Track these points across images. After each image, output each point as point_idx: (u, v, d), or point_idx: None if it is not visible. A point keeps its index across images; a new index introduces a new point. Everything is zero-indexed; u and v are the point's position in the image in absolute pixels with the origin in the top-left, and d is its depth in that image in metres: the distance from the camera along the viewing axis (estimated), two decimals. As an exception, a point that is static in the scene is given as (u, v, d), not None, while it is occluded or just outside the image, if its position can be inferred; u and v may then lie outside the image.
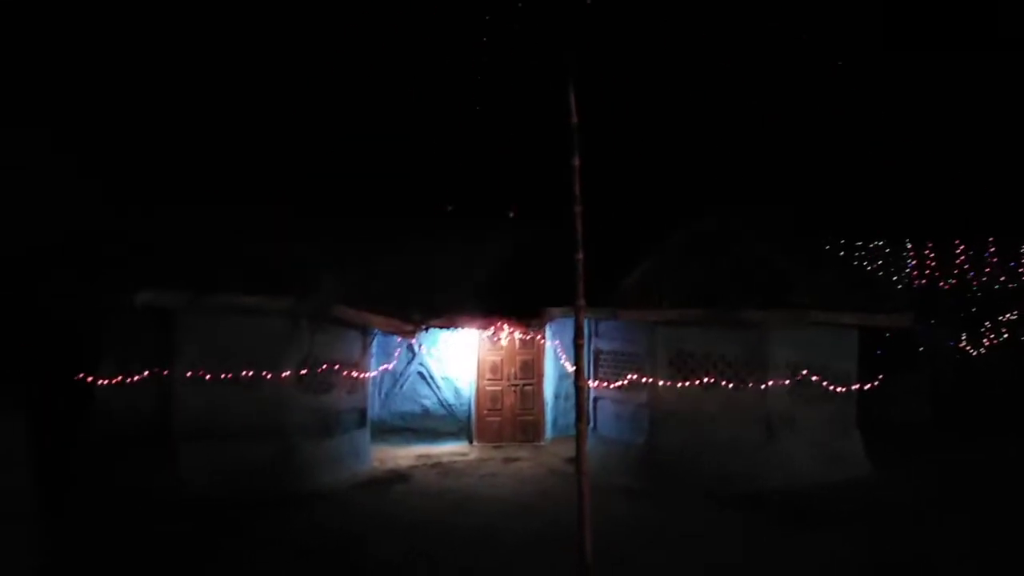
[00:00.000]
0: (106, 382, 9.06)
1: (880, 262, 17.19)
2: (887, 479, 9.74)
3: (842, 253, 16.44)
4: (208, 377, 9.02)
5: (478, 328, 11.90)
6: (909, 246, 17.20)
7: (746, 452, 9.53)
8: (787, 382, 9.77)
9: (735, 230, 10.86)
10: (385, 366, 12.74)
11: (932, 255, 17.04)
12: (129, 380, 9.01)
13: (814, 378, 9.91)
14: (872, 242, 17.24)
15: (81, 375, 9.19)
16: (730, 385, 9.72)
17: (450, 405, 13.02)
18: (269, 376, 9.25)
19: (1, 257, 9.77)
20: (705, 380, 9.76)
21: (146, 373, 9.01)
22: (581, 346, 5.17)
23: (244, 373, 9.17)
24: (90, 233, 10.47)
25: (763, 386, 9.66)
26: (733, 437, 9.63)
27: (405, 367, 13.06)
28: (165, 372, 9.01)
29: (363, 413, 10.97)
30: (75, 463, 8.77)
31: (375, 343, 11.83)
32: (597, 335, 10.80)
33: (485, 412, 12.70)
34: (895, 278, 16.94)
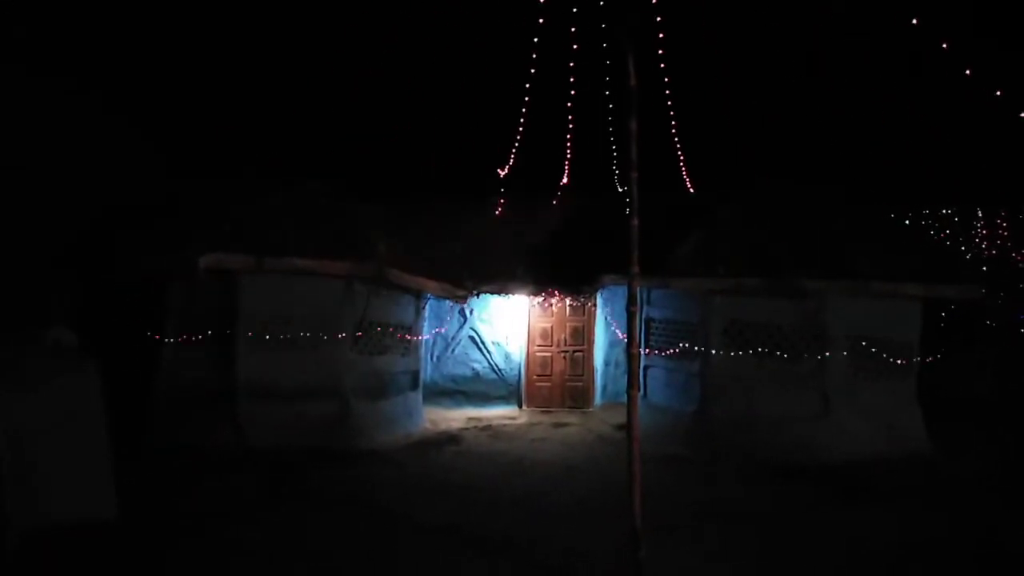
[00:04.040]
0: (172, 341, 9.46)
1: (948, 231, 16.49)
2: (948, 455, 9.48)
3: (907, 222, 15.83)
4: (268, 338, 9.32)
5: (529, 294, 11.96)
6: (980, 214, 16.42)
7: (801, 424, 9.40)
8: (845, 354, 9.56)
9: (792, 199, 10.58)
10: (438, 329, 12.95)
11: (1005, 224, 16.24)
12: (195, 339, 9.38)
13: (873, 350, 9.67)
14: (940, 210, 16.52)
15: (149, 334, 9.60)
16: (785, 356, 9.57)
17: (500, 369, 13.17)
18: (326, 338, 9.50)
19: (73, 220, 10.20)
20: (760, 350, 9.63)
21: (210, 333, 9.36)
22: (634, 314, 5.15)
23: (302, 335, 9.45)
24: (157, 199, 10.84)
25: (820, 357, 9.48)
26: (788, 408, 9.50)
27: (457, 331, 13.22)
28: (228, 332, 9.33)
29: (416, 375, 11.20)
30: (145, 417, 9.22)
31: (428, 307, 12.02)
32: (649, 303, 10.74)
33: (535, 377, 12.83)
34: (963, 248, 16.24)
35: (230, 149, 12.52)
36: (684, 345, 10.08)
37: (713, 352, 9.72)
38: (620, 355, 12.94)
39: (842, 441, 9.29)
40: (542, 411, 12.47)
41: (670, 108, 11.19)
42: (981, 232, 16.40)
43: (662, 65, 9.59)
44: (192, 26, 12.45)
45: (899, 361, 9.79)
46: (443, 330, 13.04)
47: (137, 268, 9.60)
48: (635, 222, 5.11)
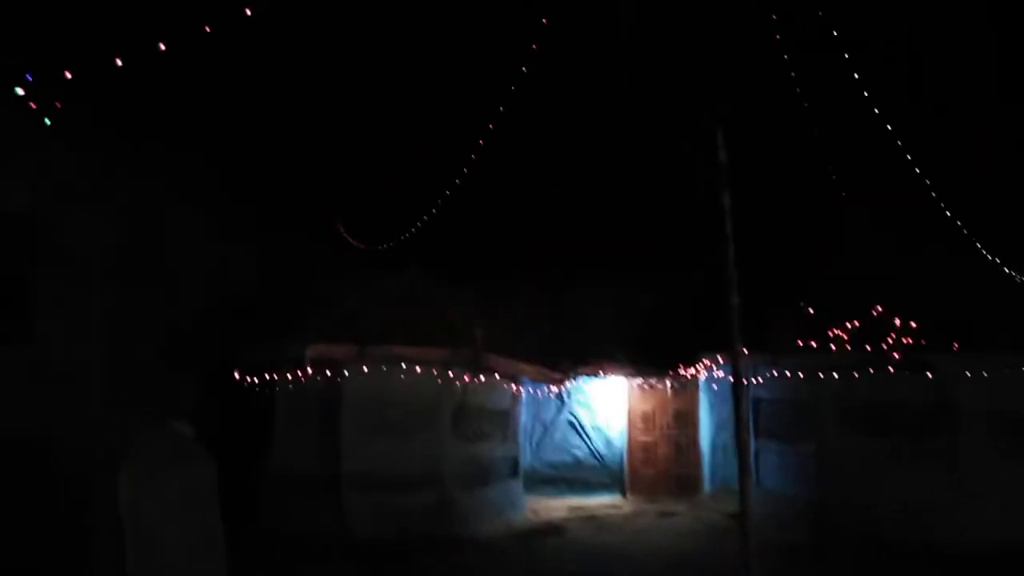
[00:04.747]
0: (280, 429, 9.76)
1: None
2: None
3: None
4: (370, 426, 9.47)
5: (628, 376, 11.71)
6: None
7: (932, 509, 8.54)
8: (981, 430, 8.72)
9: (907, 264, 10.00)
10: (536, 415, 12.80)
11: None
12: (301, 427, 9.64)
13: (1011, 427, 8.77)
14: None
15: (259, 423, 9.96)
16: (910, 434, 8.82)
17: (601, 455, 12.80)
18: (425, 425, 9.57)
19: (187, 312, 10.85)
20: (880, 429, 8.94)
21: (315, 421, 9.61)
22: (741, 397, 4.92)
23: (403, 422, 9.55)
24: (265, 289, 11.43)
25: (951, 435, 8.69)
26: (916, 492, 8.67)
27: (555, 416, 13.04)
28: (333, 420, 9.55)
29: (515, 462, 11.04)
30: (253, 504, 9.44)
31: (526, 391, 11.94)
32: (756, 382, 10.25)
33: (638, 464, 12.35)
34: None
35: (331, 236, 13.07)
36: (797, 426, 9.50)
37: (828, 433, 9.11)
38: (728, 438, 12.33)
39: (980, 526, 8.32)
40: (647, 499, 11.93)
41: (760, 178, 10.98)
42: None
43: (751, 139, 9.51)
44: (293, 119, 13.25)
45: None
46: (542, 416, 12.89)
47: (248, 361, 10.07)
48: (735, 300, 4.95)
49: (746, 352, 5.13)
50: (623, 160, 10.82)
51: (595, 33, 12.14)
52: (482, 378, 10.17)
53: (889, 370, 8.86)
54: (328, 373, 9.57)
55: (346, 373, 9.54)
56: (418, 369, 9.59)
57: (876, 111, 10.16)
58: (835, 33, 9.79)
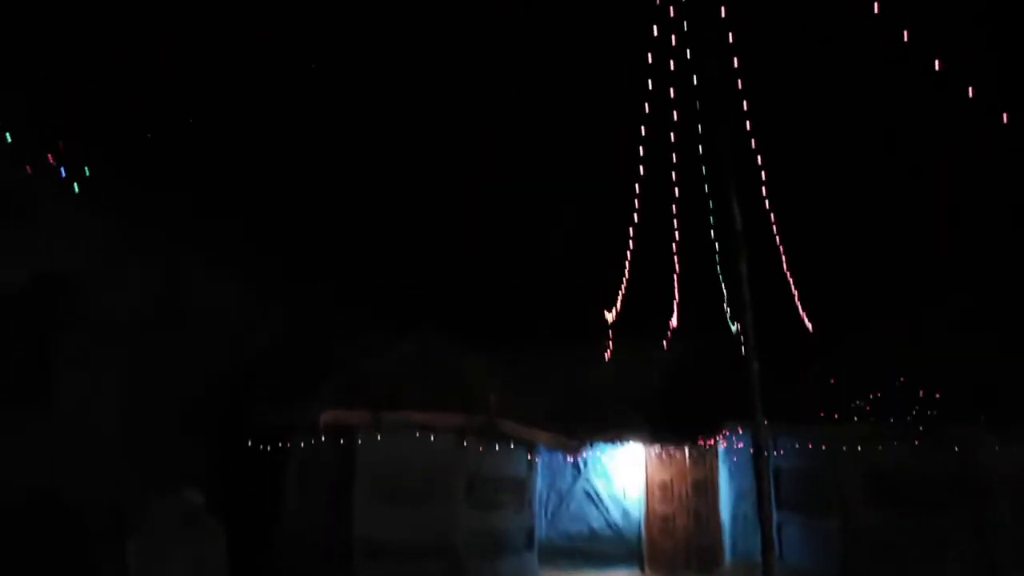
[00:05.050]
0: (293, 496, 9.62)
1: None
2: None
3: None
4: (383, 493, 9.31)
5: (645, 444, 11.50)
6: None
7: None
8: (1005, 505, 8.42)
9: (927, 327, 9.88)
10: (551, 484, 12.53)
11: None
12: (313, 494, 9.50)
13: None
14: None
15: (271, 489, 9.82)
16: (936, 510, 8.53)
17: (618, 526, 12.43)
18: (439, 493, 9.40)
19: (201, 377, 10.83)
20: (904, 504, 8.66)
21: (328, 488, 9.47)
22: (763, 470, 4.81)
23: (416, 490, 9.39)
24: (277, 353, 11.44)
25: (976, 510, 8.39)
26: (944, 567, 8.33)
27: (571, 485, 12.74)
28: (346, 487, 9.40)
29: (530, 533, 10.75)
30: (265, 571, 9.22)
31: (541, 459, 11.73)
32: (776, 451, 10.01)
33: (657, 535, 11.97)
34: None
35: (344, 300, 13.14)
36: (820, 499, 9.23)
37: (852, 506, 8.83)
38: (749, 509, 11.94)
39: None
40: (667, 573, 11.53)
41: (779, 244, 10.98)
42: None
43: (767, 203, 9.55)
44: (316, 184, 13.47)
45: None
46: (557, 484, 12.61)
47: (261, 426, 10.01)
48: (755, 366, 4.90)
49: (766, 422, 5.03)
50: (640, 224, 10.88)
51: (609, 93, 12.44)
52: (497, 445, 10.02)
53: (914, 442, 8.65)
54: (342, 439, 9.49)
55: (360, 440, 9.44)
56: (432, 436, 9.49)
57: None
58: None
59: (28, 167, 8.20)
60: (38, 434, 8.45)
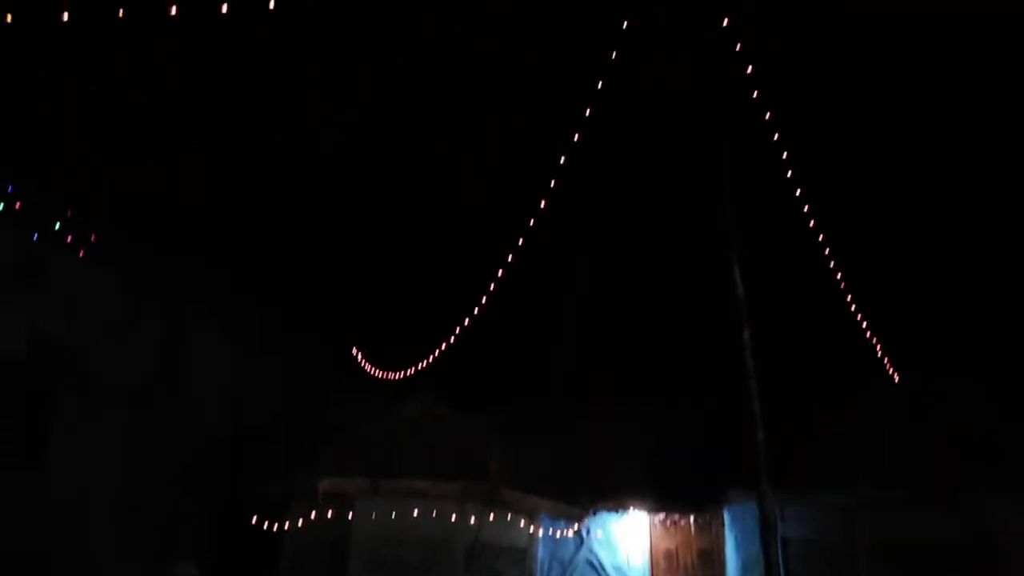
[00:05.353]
0: (288, 567, 9.37)
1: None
2: None
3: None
4: (380, 563, 9.08)
5: (649, 512, 11.26)
6: None
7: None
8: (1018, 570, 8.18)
9: (938, 391, 9.78)
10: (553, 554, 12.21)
11: None
12: (310, 565, 9.26)
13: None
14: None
15: (267, 560, 9.58)
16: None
17: (623, 598, 12.04)
18: (438, 563, 9.16)
19: (197, 446, 10.69)
20: (919, 570, 8.41)
21: (324, 557, 9.23)
22: (771, 540, 4.69)
23: (414, 559, 9.15)
24: (273, 421, 11.32)
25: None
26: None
27: (574, 555, 12.40)
28: (342, 557, 9.17)
29: (533, 605, 10.42)
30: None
31: (543, 528, 11.47)
32: (783, 519, 9.75)
33: (662, 608, 11.61)
34: None
35: (345, 363, 13.07)
36: (830, 569, 8.97)
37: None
38: (757, 580, 11.64)
39: None
40: (673, 648, 11.13)
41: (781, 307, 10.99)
42: None
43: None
44: (312, 248, 13.55)
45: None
46: (559, 554, 12.28)
47: (258, 496, 9.84)
48: (759, 436, 4.84)
49: (772, 491, 4.94)
50: (642, 290, 10.93)
51: (612, 167, 12.67)
52: (497, 514, 9.81)
53: (926, 508, 8.47)
54: (339, 508, 9.30)
55: (357, 509, 9.26)
56: (431, 506, 9.31)
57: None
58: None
59: (35, 233, 8.31)
60: (31, 501, 8.32)
